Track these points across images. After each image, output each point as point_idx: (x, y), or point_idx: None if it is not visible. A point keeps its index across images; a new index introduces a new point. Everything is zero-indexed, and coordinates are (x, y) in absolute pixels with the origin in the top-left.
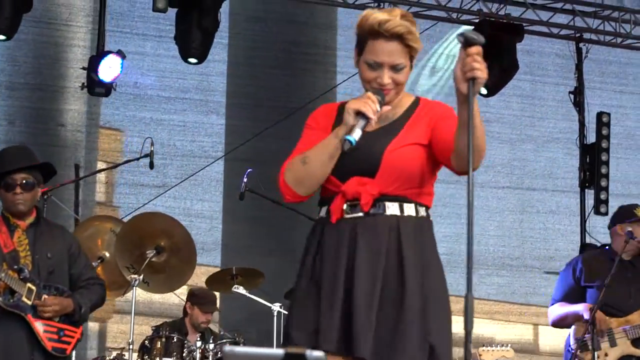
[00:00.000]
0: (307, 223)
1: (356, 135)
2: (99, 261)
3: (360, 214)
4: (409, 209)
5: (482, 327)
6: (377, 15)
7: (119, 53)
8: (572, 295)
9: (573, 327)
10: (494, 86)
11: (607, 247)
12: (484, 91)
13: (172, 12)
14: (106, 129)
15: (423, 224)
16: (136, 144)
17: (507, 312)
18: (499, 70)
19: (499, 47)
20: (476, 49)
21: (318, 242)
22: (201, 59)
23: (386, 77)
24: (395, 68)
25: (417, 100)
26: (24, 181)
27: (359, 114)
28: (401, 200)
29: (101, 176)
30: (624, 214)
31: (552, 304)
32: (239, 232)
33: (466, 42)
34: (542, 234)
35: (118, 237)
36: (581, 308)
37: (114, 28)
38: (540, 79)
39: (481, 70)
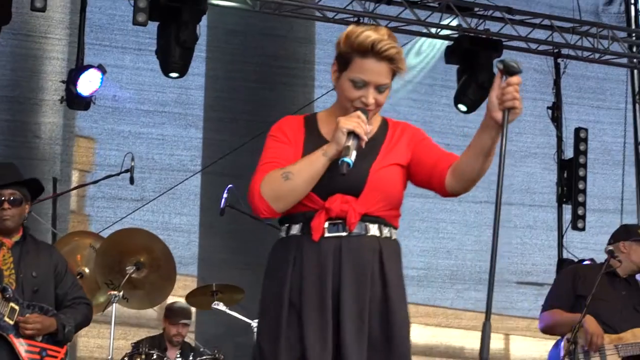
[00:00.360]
0: None
1: (353, 157)
2: (78, 277)
3: (343, 234)
4: (386, 231)
5: (454, 338)
6: (369, 34)
7: (100, 67)
8: (567, 301)
9: (566, 337)
10: (473, 103)
11: (585, 261)
12: (463, 108)
13: (151, 25)
14: (84, 140)
15: (397, 247)
16: (114, 157)
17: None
18: (478, 87)
19: (477, 63)
20: (517, 79)
21: (294, 261)
22: (182, 72)
23: (371, 97)
24: (379, 88)
25: (385, 121)
26: (11, 197)
27: (351, 134)
28: (380, 221)
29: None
30: (630, 233)
31: (546, 309)
32: (217, 245)
33: (506, 70)
34: (520, 248)
35: (98, 253)
36: (584, 319)
37: (93, 41)
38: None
39: (520, 101)
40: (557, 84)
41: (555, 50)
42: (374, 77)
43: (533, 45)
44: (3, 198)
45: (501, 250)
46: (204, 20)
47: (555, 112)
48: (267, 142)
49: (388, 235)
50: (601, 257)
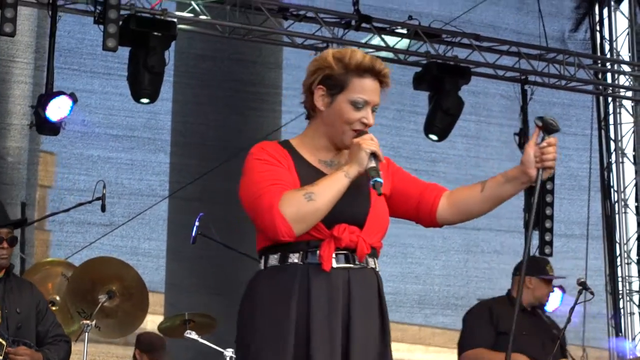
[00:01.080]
0: (252, 263)
1: (381, 177)
2: (50, 305)
3: (352, 265)
4: (377, 263)
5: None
6: (364, 54)
7: (71, 96)
8: (489, 339)
9: None
10: (442, 131)
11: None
12: (434, 138)
13: (121, 49)
14: (51, 164)
15: (381, 278)
16: (83, 182)
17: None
18: (444, 114)
19: (444, 89)
20: (555, 139)
21: (299, 291)
22: (152, 98)
23: (371, 117)
24: (374, 109)
25: None
26: (9, 236)
27: (373, 155)
28: (375, 253)
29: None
30: (538, 269)
31: (469, 349)
32: (185, 271)
33: (545, 128)
34: (487, 273)
35: (70, 281)
36: (515, 356)
37: (62, 65)
38: (485, 119)
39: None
40: (524, 110)
41: (522, 77)
42: (373, 96)
43: (500, 72)
44: (3, 237)
45: (469, 274)
46: (173, 44)
47: (522, 139)
48: (256, 166)
49: (378, 268)
50: (567, 282)
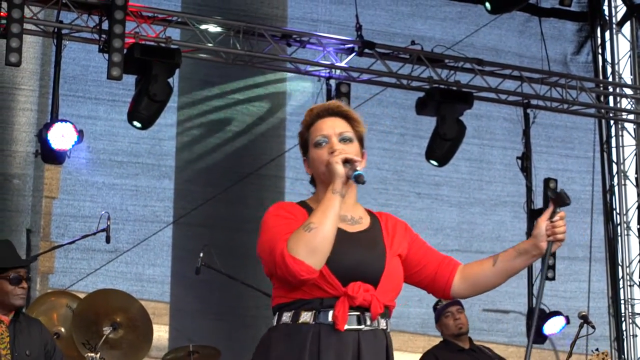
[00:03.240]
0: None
1: (360, 168)
2: (55, 337)
3: (363, 327)
4: (389, 323)
5: None
6: (319, 105)
7: (80, 132)
8: None
9: None
10: (443, 157)
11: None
12: (435, 163)
13: (126, 76)
14: (56, 191)
15: (391, 339)
16: (88, 209)
17: None
18: (443, 140)
19: (443, 116)
20: (564, 213)
21: (309, 354)
22: (145, 124)
23: (335, 144)
24: (343, 138)
25: (372, 213)
26: (27, 275)
27: (347, 161)
28: (387, 313)
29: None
30: (436, 314)
31: None
32: (190, 296)
33: (557, 202)
34: (491, 296)
35: (75, 314)
36: None
37: (67, 92)
38: (489, 142)
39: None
40: (526, 134)
41: (525, 101)
42: (330, 129)
43: (503, 96)
44: (23, 277)
45: (472, 298)
46: (177, 72)
47: (525, 162)
48: (271, 222)
49: (389, 328)
50: (570, 304)
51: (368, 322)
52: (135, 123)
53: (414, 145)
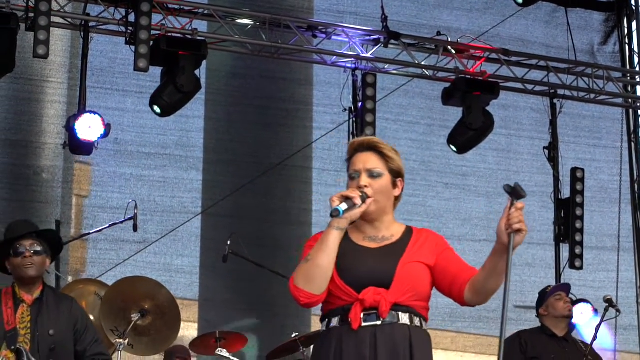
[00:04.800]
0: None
1: (343, 207)
2: None
3: (378, 322)
4: (416, 320)
5: None
6: (358, 140)
7: (107, 126)
8: None
9: None
10: (463, 145)
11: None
12: (454, 149)
13: (153, 68)
14: (85, 183)
15: (428, 337)
16: (116, 200)
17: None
18: (468, 129)
19: (474, 107)
20: (522, 204)
21: (335, 351)
22: (165, 112)
23: (363, 180)
24: (371, 174)
25: (410, 229)
26: (32, 246)
27: (345, 198)
28: (411, 311)
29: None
30: (540, 296)
31: None
32: (218, 287)
33: (513, 194)
34: (519, 286)
35: (103, 301)
36: None
37: (94, 84)
38: (516, 132)
39: (524, 224)
40: (553, 124)
41: (551, 91)
42: (360, 164)
43: (529, 86)
44: (25, 247)
45: (500, 287)
46: (204, 63)
47: (552, 152)
48: (303, 252)
49: (418, 325)
50: (599, 294)
51: (382, 319)
52: (156, 108)
53: (440, 136)
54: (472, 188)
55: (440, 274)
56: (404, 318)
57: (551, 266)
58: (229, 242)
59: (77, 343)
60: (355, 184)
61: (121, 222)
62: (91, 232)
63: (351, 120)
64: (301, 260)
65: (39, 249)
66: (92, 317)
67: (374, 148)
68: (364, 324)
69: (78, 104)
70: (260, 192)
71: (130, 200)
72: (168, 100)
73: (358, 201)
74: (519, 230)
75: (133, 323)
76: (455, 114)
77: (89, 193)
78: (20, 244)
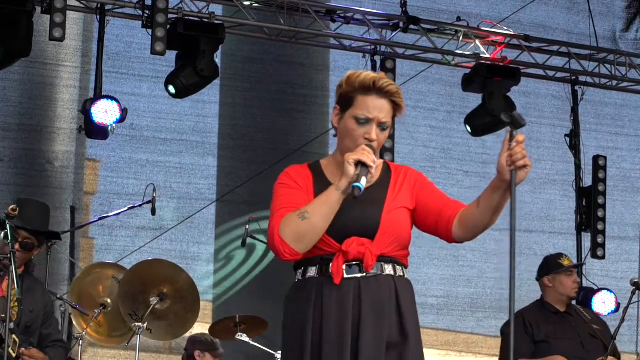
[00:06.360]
0: None
1: (363, 182)
2: (101, 308)
3: (361, 275)
4: (399, 270)
5: None
6: (370, 73)
7: (123, 111)
8: (528, 350)
9: None
10: (479, 128)
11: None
12: (469, 129)
13: (169, 52)
14: (98, 167)
15: (410, 285)
16: (132, 186)
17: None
18: (487, 114)
19: (495, 93)
20: (523, 137)
21: (314, 303)
22: (180, 92)
23: (374, 133)
24: (382, 126)
25: (388, 166)
26: (25, 241)
27: (360, 163)
28: (394, 261)
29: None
30: (550, 265)
31: None
32: (234, 275)
33: (512, 124)
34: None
35: (121, 284)
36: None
37: (110, 69)
38: (537, 120)
39: (528, 159)
40: (574, 111)
41: (573, 78)
42: (376, 112)
43: (550, 73)
44: (17, 239)
45: (521, 277)
46: (220, 48)
47: (573, 140)
48: (277, 191)
49: (401, 274)
50: (621, 285)
51: (365, 272)
52: (171, 88)
53: (460, 123)
54: (493, 176)
55: (423, 212)
56: (388, 269)
57: (573, 256)
58: (247, 226)
59: (43, 325)
60: (363, 133)
61: (140, 206)
62: (108, 215)
63: None
64: (278, 203)
65: (30, 243)
66: (109, 301)
67: (387, 95)
68: (346, 276)
69: (94, 88)
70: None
71: (149, 183)
72: (185, 82)
73: (373, 171)
74: (524, 167)
75: (152, 307)
76: (475, 100)
77: (104, 179)
78: (16, 232)
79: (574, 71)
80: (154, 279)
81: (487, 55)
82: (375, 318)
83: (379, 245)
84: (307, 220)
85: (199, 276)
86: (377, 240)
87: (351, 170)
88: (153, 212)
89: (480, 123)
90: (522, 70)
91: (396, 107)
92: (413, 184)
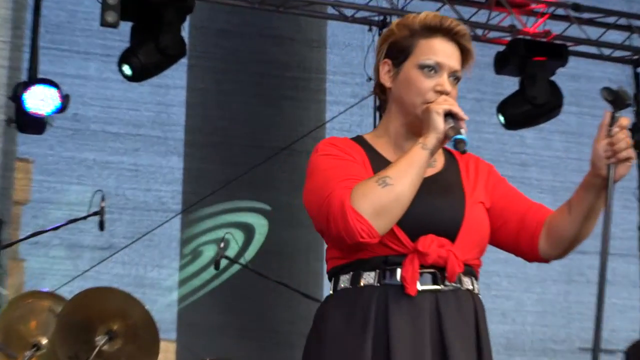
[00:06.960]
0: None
1: (464, 133)
2: (34, 350)
3: (440, 287)
4: (476, 283)
5: None
6: (429, 12)
7: (65, 97)
8: None
9: None
10: (516, 120)
11: None
12: (502, 120)
13: (123, 24)
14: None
15: (483, 306)
16: (75, 193)
17: None
18: (527, 103)
19: (537, 76)
20: (628, 120)
21: (375, 320)
22: (137, 75)
23: (448, 84)
24: (454, 75)
25: (448, 150)
26: None
27: (449, 115)
28: (472, 272)
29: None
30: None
31: None
32: (203, 307)
33: (615, 103)
34: (595, 309)
35: (59, 319)
36: None
37: (49, 44)
38: (589, 110)
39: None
40: (637, 98)
41: (635, 57)
42: (446, 58)
43: (606, 51)
44: None
45: (571, 312)
46: (187, 19)
47: (636, 136)
48: (322, 163)
49: (477, 290)
50: None
51: (447, 283)
52: (126, 68)
53: (493, 114)
54: (534, 182)
55: (500, 216)
56: (467, 282)
57: (636, 284)
58: (221, 245)
59: None
60: (431, 84)
61: (84, 218)
62: (45, 229)
63: None
64: (333, 174)
65: None
66: (44, 341)
67: (459, 41)
68: (420, 287)
69: (28, 70)
70: (259, 184)
71: (97, 190)
72: (143, 60)
73: (464, 115)
74: (626, 159)
75: (98, 348)
76: (511, 85)
77: (39, 184)
78: None
79: (635, 49)
80: (101, 312)
81: (527, 29)
82: (461, 349)
83: (462, 249)
84: (390, 187)
85: (160, 309)
86: (459, 242)
87: (440, 121)
88: (101, 226)
89: (517, 112)
90: (570, 48)
91: (465, 56)
92: (486, 177)
